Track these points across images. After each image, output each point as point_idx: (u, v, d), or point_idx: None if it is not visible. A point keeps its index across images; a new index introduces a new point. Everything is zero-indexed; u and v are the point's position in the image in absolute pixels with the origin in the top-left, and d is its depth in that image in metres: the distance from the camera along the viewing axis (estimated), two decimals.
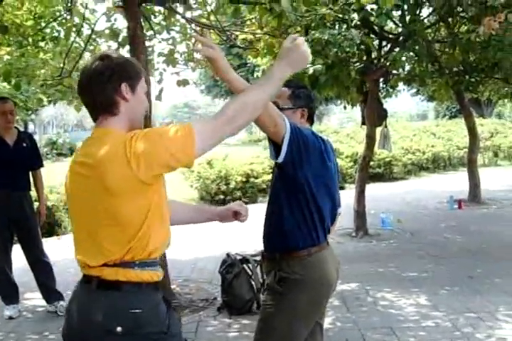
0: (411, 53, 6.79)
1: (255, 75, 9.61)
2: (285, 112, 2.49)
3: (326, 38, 5.68)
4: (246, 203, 9.93)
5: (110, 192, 1.81)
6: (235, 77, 2.12)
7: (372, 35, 7.37)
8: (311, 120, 2.68)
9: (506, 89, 11.19)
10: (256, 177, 12.98)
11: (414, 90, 31.25)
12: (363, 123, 8.56)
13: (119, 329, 1.83)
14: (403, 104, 63.20)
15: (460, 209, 10.93)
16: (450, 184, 14.46)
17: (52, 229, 9.39)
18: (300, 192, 2.46)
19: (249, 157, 14.74)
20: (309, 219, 2.51)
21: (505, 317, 4.69)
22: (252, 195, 12.88)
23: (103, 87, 1.92)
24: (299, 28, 5.67)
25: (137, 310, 1.86)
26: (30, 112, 22.59)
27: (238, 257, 5.21)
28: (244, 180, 12.80)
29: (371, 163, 11.78)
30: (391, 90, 9.22)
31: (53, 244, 8.20)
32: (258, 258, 5.28)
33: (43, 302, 5.25)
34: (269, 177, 13.71)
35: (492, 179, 14.40)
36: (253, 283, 5.08)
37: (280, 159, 2.36)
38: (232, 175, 12.70)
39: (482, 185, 11.82)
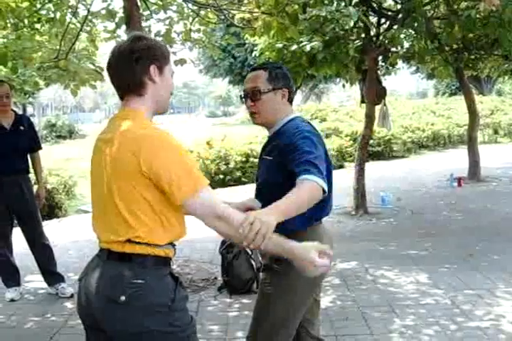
0: (410, 30, 6.73)
1: (253, 54, 9.52)
2: (267, 95, 2.50)
3: (323, 14, 5.61)
4: (245, 183, 10.02)
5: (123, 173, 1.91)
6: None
7: (371, 13, 7.29)
8: (290, 100, 2.65)
9: (506, 65, 11.11)
10: (255, 157, 12.96)
11: (414, 68, 31.18)
12: (362, 101, 8.52)
13: (122, 298, 1.87)
14: (402, 82, 62.93)
15: (460, 186, 10.94)
16: (450, 162, 14.45)
17: (53, 211, 9.43)
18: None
19: (248, 136, 14.73)
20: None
21: (504, 294, 4.71)
22: (251, 175, 12.88)
23: (132, 68, 1.96)
24: (296, 6, 5.60)
25: (140, 281, 1.89)
26: (27, 96, 22.49)
27: None
28: (243, 159, 12.82)
29: (371, 142, 11.77)
30: (390, 68, 9.17)
31: (54, 227, 8.24)
32: None
33: (44, 285, 5.27)
34: None
35: (492, 156, 14.39)
36: (253, 262, 5.10)
37: None
38: (232, 155, 12.71)
39: (482, 162, 11.81)
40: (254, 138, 14.25)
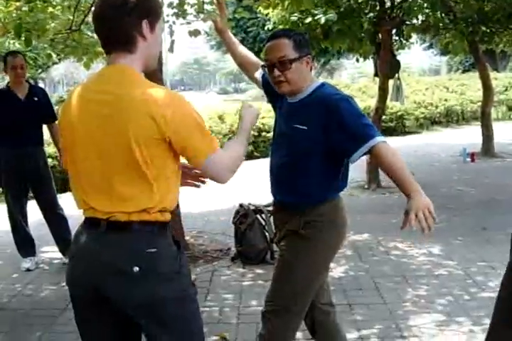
0: (424, 3, 6.62)
1: (266, 28, 9.42)
2: (295, 64, 2.46)
3: None
4: (258, 157, 10.02)
5: (132, 138, 1.79)
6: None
7: None
8: (310, 67, 2.63)
9: None
10: (268, 132, 12.94)
11: (427, 44, 30.82)
12: (376, 74, 8.45)
13: (136, 269, 1.81)
14: (415, 58, 62.32)
15: (473, 162, 10.89)
16: (463, 138, 14.35)
17: (67, 184, 9.45)
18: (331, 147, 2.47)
19: (260, 111, 14.67)
20: (341, 173, 2.58)
21: None
22: (264, 149, 12.88)
23: (123, 20, 1.83)
24: None
25: (153, 250, 1.84)
26: (40, 70, 22.50)
27: (251, 207, 5.25)
28: (256, 134, 12.77)
29: (383, 117, 11.70)
30: (404, 42, 9.06)
31: (67, 199, 8.29)
32: (271, 208, 5.33)
33: (59, 255, 5.35)
34: None
35: (505, 133, 14.27)
36: (266, 233, 5.14)
37: None
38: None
39: (495, 138, 11.73)
40: (268, 113, 14.17)
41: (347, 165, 2.61)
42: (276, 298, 2.62)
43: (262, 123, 13.04)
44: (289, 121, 2.57)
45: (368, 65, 21.60)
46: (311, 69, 2.58)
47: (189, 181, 2.25)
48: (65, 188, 9.21)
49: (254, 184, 8.37)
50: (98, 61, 6.45)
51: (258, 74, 2.86)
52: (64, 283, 4.70)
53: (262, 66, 2.63)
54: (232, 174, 1.97)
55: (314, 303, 2.72)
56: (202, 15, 6.32)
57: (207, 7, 6.44)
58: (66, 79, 60.67)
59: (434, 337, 3.49)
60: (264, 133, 12.87)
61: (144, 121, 1.77)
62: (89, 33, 6.00)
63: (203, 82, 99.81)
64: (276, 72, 2.49)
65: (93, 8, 1.95)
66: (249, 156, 12.42)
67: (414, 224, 2.17)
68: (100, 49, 6.02)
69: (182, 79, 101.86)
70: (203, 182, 2.27)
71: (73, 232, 5.21)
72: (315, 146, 2.47)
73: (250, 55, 2.97)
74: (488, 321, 3.60)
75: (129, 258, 1.83)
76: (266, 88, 2.81)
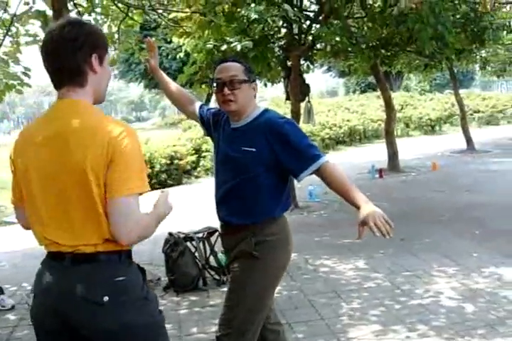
0: (332, 28, 6.95)
1: (178, 56, 9.50)
2: (245, 85, 2.61)
3: (252, 15, 5.70)
4: (171, 185, 10.00)
5: (86, 171, 1.79)
6: None
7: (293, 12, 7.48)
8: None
9: (417, 61, 11.66)
10: (180, 159, 12.99)
11: (325, 67, 32.00)
12: (287, 98, 8.71)
13: (105, 298, 1.81)
14: (314, 81, 64.25)
15: (381, 178, 11.39)
16: (367, 156, 14.98)
17: None
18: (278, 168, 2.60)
19: (170, 139, 14.68)
20: (286, 192, 2.72)
21: (439, 273, 5.01)
22: (176, 177, 12.89)
23: (74, 55, 1.86)
24: (226, 6, 5.69)
25: (121, 278, 1.85)
26: None
27: (181, 235, 5.25)
28: (168, 162, 12.79)
29: None
30: (311, 66, 9.42)
31: None
32: (200, 235, 5.36)
33: None
34: (193, 158, 13.77)
35: (406, 149, 15.03)
36: (198, 260, 5.15)
37: None
38: (156, 158, 12.64)
39: (399, 154, 12.34)
40: (178, 141, 14.24)
41: (288, 184, 2.73)
42: (231, 320, 2.65)
43: (174, 151, 13.07)
44: (234, 145, 2.66)
45: (269, 90, 22.08)
46: (255, 97, 2.71)
47: None
48: None
49: (177, 212, 8.34)
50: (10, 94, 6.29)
51: (196, 108, 2.95)
52: None
53: (210, 85, 2.75)
54: (133, 234, 1.84)
55: (264, 324, 2.78)
56: (115, 46, 6.34)
57: (118, 37, 6.47)
58: None
59: None
60: (176, 161, 12.88)
61: (100, 150, 1.78)
62: (2, 64, 5.84)
63: (104, 111, 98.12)
64: (226, 91, 2.60)
65: (42, 43, 1.95)
66: (162, 184, 12.38)
67: (376, 231, 2.31)
68: (12, 81, 5.92)
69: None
70: None
71: None
72: (264, 167, 2.59)
73: (184, 91, 3.06)
74: (421, 326, 3.85)
75: (98, 288, 1.83)
76: (202, 120, 2.91)
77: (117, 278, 1.86)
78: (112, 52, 6.68)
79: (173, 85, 3.03)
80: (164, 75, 3.02)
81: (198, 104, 2.96)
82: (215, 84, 2.67)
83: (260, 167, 2.58)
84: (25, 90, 6.35)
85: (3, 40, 5.63)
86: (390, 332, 3.82)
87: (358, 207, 2.43)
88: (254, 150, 2.57)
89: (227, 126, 2.73)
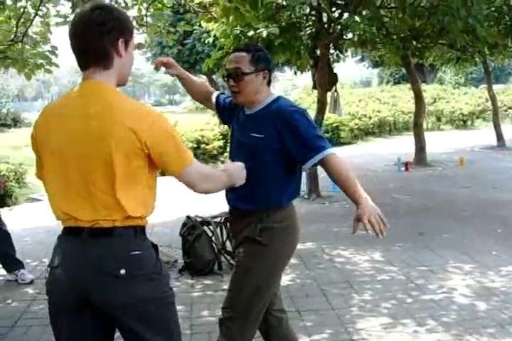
0: (362, 18, 6.87)
1: (203, 41, 9.50)
2: (249, 76, 2.60)
3: (279, 1, 5.67)
4: None
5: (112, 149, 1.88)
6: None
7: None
8: (269, 81, 2.76)
9: (450, 54, 11.48)
10: (207, 144, 13.04)
11: (359, 57, 31.66)
12: (314, 87, 8.67)
13: (122, 272, 1.90)
14: (347, 70, 63.70)
15: (407, 171, 11.30)
16: (396, 148, 14.85)
17: (3, 200, 9.25)
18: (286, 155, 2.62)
19: (199, 124, 14.74)
20: (295, 180, 2.72)
21: (455, 269, 4.97)
22: (202, 162, 12.94)
23: (102, 39, 1.94)
24: None
25: (136, 252, 1.94)
26: None
27: (199, 219, 5.30)
28: (195, 146, 12.85)
29: (320, 129, 12.00)
30: (340, 55, 9.35)
31: (5, 215, 8.08)
32: (218, 219, 5.41)
33: (2, 272, 5.23)
34: (220, 143, 13.84)
35: (436, 142, 14.86)
36: (214, 244, 5.20)
37: None
38: (183, 142, 12.70)
39: (427, 148, 12.20)
40: (206, 125, 14.28)
41: (300, 174, 2.74)
42: (234, 305, 2.69)
43: (201, 136, 13.12)
44: (245, 131, 2.68)
45: (301, 78, 21.99)
46: (268, 84, 2.70)
47: None
48: (1, 204, 9.05)
49: (197, 196, 8.41)
50: (38, 73, 6.37)
51: (213, 98, 2.98)
52: (10, 300, 4.63)
53: (222, 76, 2.75)
54: (209, 185, 2.13)
55: (267, 310, 2.80)
56: (144, 29, 6.37)
57: (149, 20, 6.50)
58: None
59: (382, 338, 3.64)
60: (203, 145, 12.94)
61: (125, 134, 1.87)
62: (31, 46, 5.92)
63: (137, 93, 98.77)
64: (231, 82, 2.64)
65: (70, 24, 2.02)
66: None
67: (369, 228, 2.33)
68: (41, 61, 6.00)
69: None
70: None
71: (16, 248, 5.10)
72: (272, 154, 2.59)
73: (206, 87, 3.09)
74: (430, 321, 3.84)
75: (115, 261, 1.91)
76: (218, 109, 2.96)
77: (133, 252, 1.94)
78: (140, 35, 6.71)
79: (196, 84, 3.05)
80: (188, 77, 3.01)
81: (215, 94, 2.99)
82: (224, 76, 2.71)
83: (268, 153, 2.59)
84: (56, 70, 6.43)
85: (32, 19, 5.70)
86: (399, 326, 3.82)
87: (356, 203, 2.44)
88: (262, 136, 2.59)
89: (242, 112, 2.75)
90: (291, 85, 64.88)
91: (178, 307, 4.24)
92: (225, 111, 2.90)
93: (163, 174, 2.08)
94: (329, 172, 2.55)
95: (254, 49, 2.68)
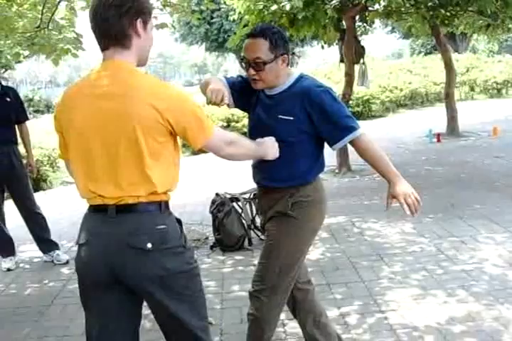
0: None
1: (231, 18, 9.46)
2: (270, 65, 2.55)
3: None
4: None
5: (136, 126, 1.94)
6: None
7: None
8: (288, 62, 2.71)
9: (481, 21, 11.18)
10: (237, 122, 13.05)
11: (389, 28, 31.12)
12: (342, 60, 8.58)
13: (149, 245, 1.97)
14: (378, 43, 62.69)
15: (439, 142, 11.15)
16: (428, 119, 14.62)
17: (38, 184, 9.40)
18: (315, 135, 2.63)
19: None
20: (321, 156, 2.74)
21: (486, 239, 4.93)
22: None
23: (120, 19, 1.99)
24: None
25: (162, 226, 2.01)
26: (3, 70, 22.21)
27: (227, 196, 5.35)
28: (225, 124, 12.87)
29: (350, 102, 11.89)
30: (368, 27, 9.21)
31: (41, 199, 8.26)
32: (247, 196, 5.45)
33: (39, 253, 5.37)
34: None
35: (469, 112, 14.58)
36: (243, 220, 5.25)
37: None
38: (213, 120, 12.76)
39: (459, 118, 12.00)
40: None
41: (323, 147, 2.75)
42: (264, 277, 2.73)
43: (231, 114, 13.14)
44: (271, 113, 2.64)
45: (332, 52, 21.75)
46: (287, 65, 2.67)
47: None
48: (36, 188, 9.21)
49: (226, 174, 8.47)
50: (61, 61, 6.42)
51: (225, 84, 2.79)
52: (46, 280, 4.77)
53: (240, 63, 2.72)
54: (233, 149, 2.19)
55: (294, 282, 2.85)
56: (168, 9, 6.36)
57: (172, 0, 6.50)
58: (29, 78, 59.78)
59: (411, 309, 3.65)
60: (233, 123, 12.96)
61: (147, 111, 1.94)
62: (57, 31, 5.98)
63: (167, 74, 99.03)
64: (252, 71, 2.60)
65: (90, 8, 2.07)
66: None
67: (406, 209, 2.44)
68: (68, 45, 6.06)
69: (146, 72, 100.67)
70: None
71: (52, 231, 5.22)
72: (300, 135, 2.59)
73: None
74: (461, 292, 3.83)
75: (142, 235, 1.98)
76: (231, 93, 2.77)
77: (158, 227, 2.01)
78: (165, 16, 6.72)
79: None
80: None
81: (224, 80, 2.79)
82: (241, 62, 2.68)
83: (298, 134, 2.59)
84: (87, 54, 6.48)
85: (57, 4, 5.74)
86: (429, 296, 3.82)
87: (389, 180, 2.52)
88: (292, 118, 2.57)
89: (263, 92, 2.71)
90: (322, 60, 64.30)
91: (210, 283, 4.40)
92: (238, 92, 2.75)
93: (194, 153, 2.13)
94: (360, 152, 2.60)
95: (271, 32, 2.58)
